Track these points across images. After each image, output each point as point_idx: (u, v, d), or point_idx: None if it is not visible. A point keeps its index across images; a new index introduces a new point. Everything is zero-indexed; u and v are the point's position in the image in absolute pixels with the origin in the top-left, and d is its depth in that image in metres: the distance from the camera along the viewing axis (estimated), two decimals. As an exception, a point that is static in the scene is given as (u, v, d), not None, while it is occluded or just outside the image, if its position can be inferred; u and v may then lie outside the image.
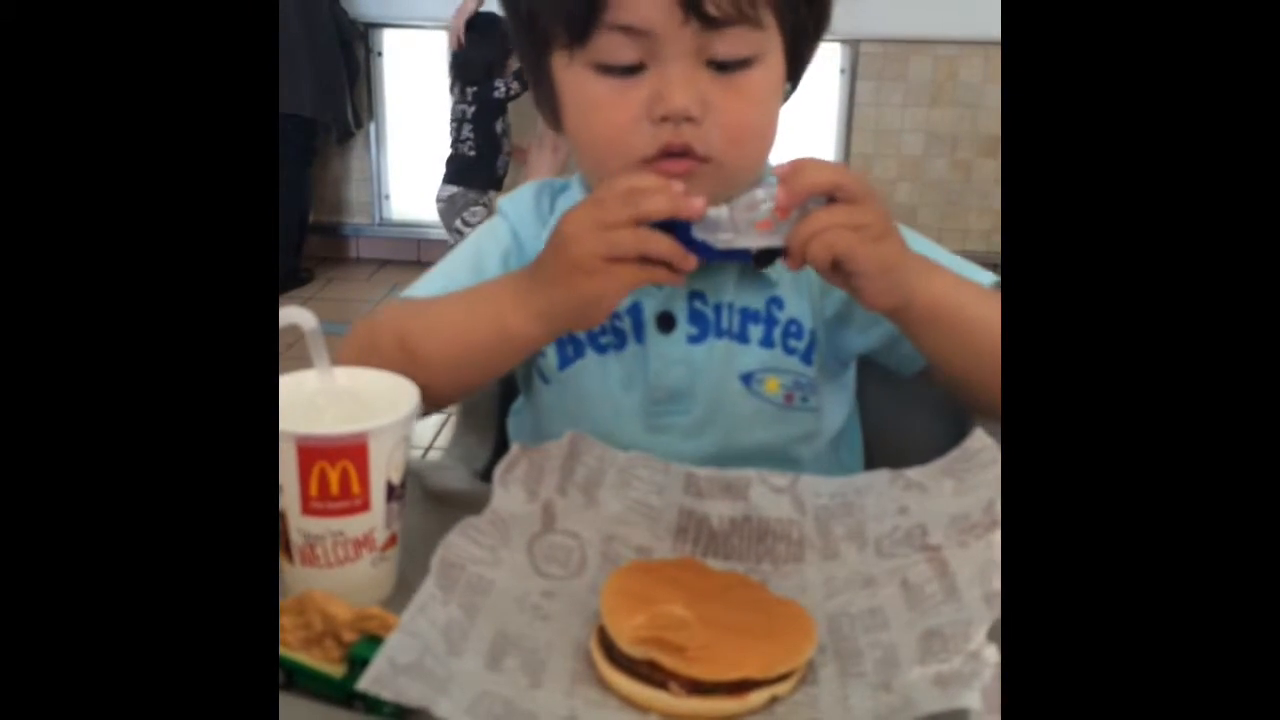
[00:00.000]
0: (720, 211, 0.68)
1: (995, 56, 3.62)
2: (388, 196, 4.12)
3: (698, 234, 0.68)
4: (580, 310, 0.72)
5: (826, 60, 3.79)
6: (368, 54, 3.94)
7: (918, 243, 0.79)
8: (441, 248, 4.01)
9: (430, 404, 0.78)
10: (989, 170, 3.83)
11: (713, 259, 0.69)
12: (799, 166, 0.69)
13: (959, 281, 0.75)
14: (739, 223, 0.68)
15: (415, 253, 4.13)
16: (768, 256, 0.70)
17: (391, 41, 3.96)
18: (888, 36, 3.69)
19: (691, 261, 0.69)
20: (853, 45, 3.74)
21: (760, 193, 0.68)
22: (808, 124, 3.78)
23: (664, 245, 0.68)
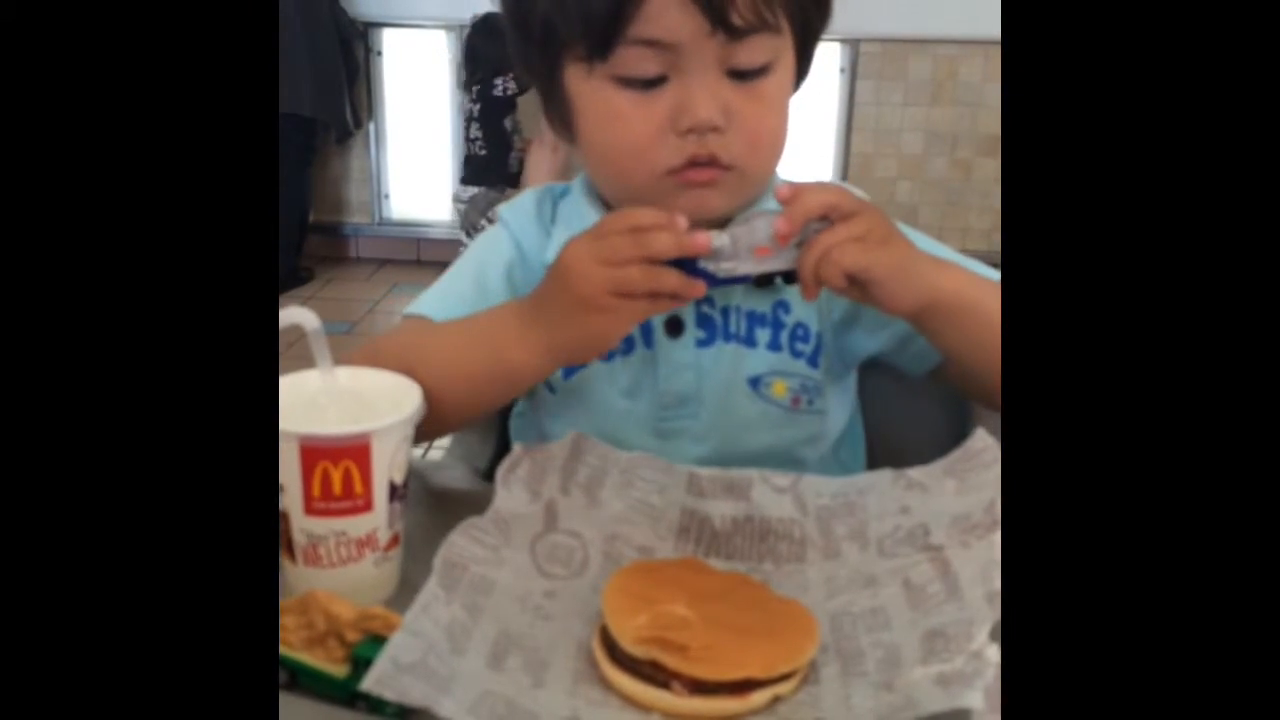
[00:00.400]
0: (722, 240, 0.68)
1: (995, 56, 3.62)
2: (387, 196, 4.12)
3: (701, 263, 0.69)
4: (586, 345, 0.72)
5: (826, 60, 3.79)
6: (367, 53, 3.94)
7: (922, 242, 0.79)
8: (441, 247, 4.01)
9: (435, 431, 0.78)
10: (989, 169, 3.83)
11: (716, 285, 0.70)
12: (797, 192, 0.69)
13: (971, 276, 0.76)
14: (740, 250, 0.69)
15: (415, 252, 4.13)
16: (768, 277, 0.71)
17: (391, 41, 3.96)
18: (887, 36, 3.69)
19: (699, 289, 0.69)
20: (852, 44, 3.74)
21: (759, 220, 0.69)
22: (808, 124, 3.78)
23: (672, 280, 0.68)
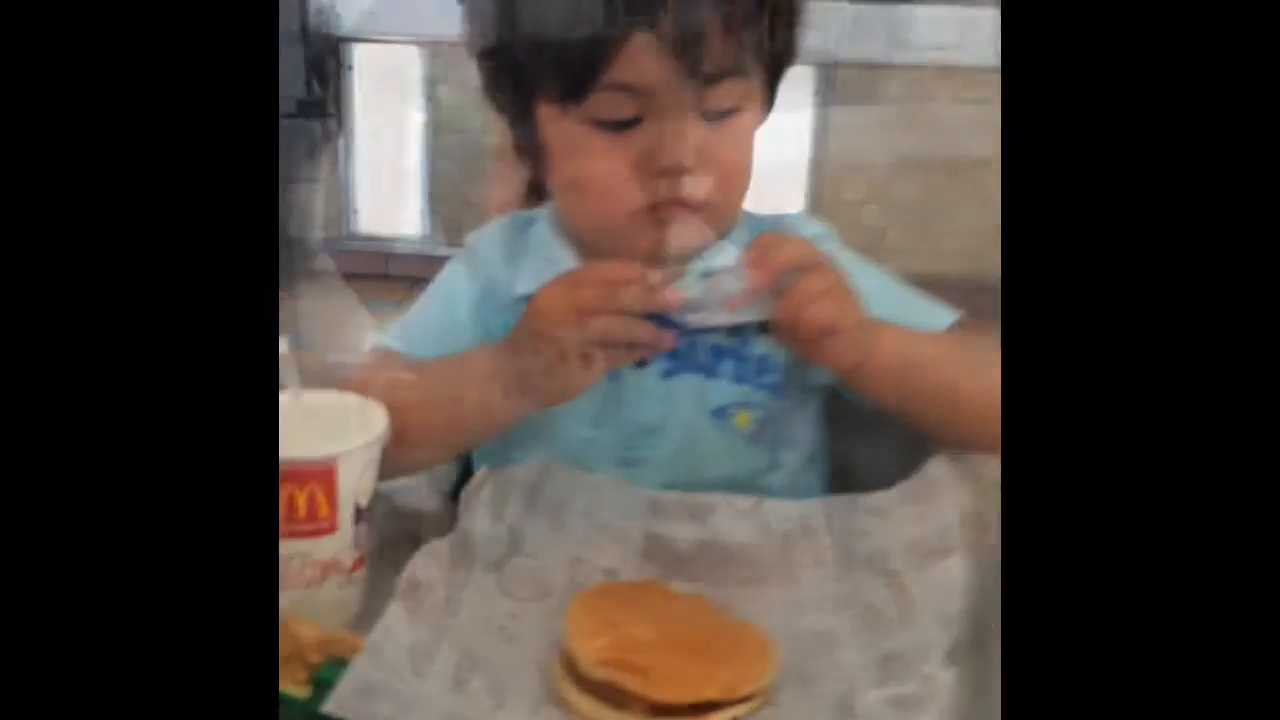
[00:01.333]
0: (694, 292, 0.69)
1: (966, 81, 3.66)
2: (356, 211, 4.11)
3: (672, 315, 0.70)
4: (559, 391, 0.73)
5: (798, 84, 3.81)
6: (338, 68, 3.93)
7: (869, 272, 0.81)
8: (409, 262, 3.98)
9: (404, 469, 0.78)
10: (958, 193, 3.87)
11: (686, 335, 0.71)
12: (765, 247, 0.70)
13: (903, 332, 0.77)
14: (712, 302, 0.69)
15: (384, 266, 4.11)
16: (738, 327, 0.72)
17: (362, 56, 3.95)
18: (858, 61, 3.72)
19: (669, 342, 0.70)
20: (824, 69, 3.77)
21: (731, 272, 0.70)
22: (777, 148, 3.80)
23: (644, 332, 0.69)
